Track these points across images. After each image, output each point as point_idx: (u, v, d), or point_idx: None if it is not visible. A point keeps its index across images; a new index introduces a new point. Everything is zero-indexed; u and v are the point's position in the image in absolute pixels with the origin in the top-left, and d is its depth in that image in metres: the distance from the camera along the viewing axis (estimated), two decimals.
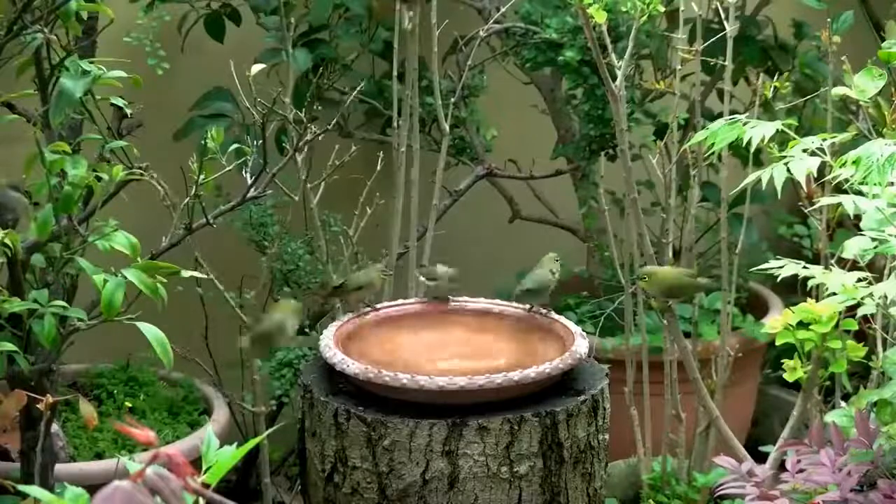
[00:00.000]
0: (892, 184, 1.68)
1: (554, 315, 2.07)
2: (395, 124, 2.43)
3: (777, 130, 1.77)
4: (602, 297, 2.84)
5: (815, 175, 1.77)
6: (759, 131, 1.77)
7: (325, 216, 2.51)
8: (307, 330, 2.57)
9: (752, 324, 2.86)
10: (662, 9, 2.16)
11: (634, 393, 2.42)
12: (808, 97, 2.66)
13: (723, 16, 2.29)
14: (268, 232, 2.51)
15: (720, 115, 2.13)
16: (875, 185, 1.64)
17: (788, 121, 1.82)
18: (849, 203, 1.69)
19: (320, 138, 2.15)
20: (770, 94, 2.27)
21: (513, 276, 2.57)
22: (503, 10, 2.64)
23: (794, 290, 2.35)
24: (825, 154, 1.73)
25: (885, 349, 2.00)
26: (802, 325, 1.87)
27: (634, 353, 2.43)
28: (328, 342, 1.93)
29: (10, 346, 1.83)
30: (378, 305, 2.12)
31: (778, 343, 1.90)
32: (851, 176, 1.64)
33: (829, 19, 2.22)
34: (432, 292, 2.04)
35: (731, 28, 2.27)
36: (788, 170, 1.71)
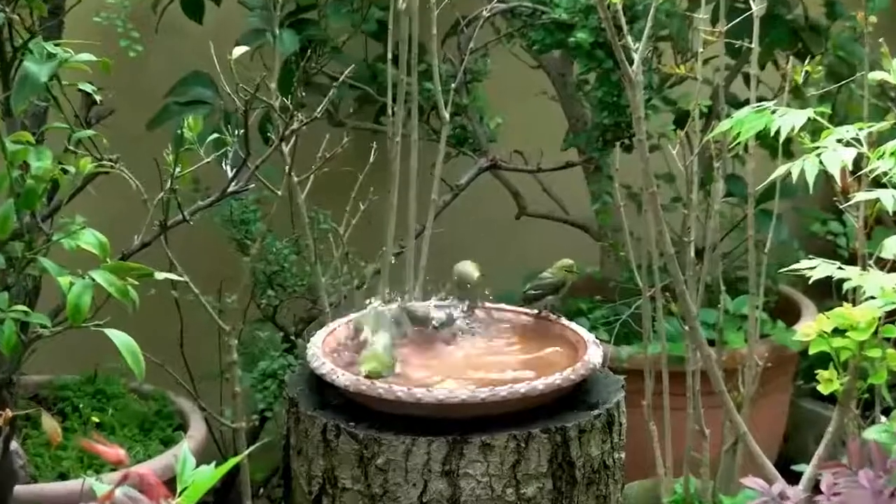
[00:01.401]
0: None
1: (564, 321, 2.06)
2: (389, 112, 2.42)
3: (808, 119, 1.76)
4: (617, 301, 2.84)
5: (851, 168, 1.76)
6: (788, 120, 1.76)
7: (314, 213, 2.51)
8: (293, 337, 2.57)
9: (783, 330, 2.85)
10: None
11: (653, 407, 2.41)
12: (843, 82, 2.66)
13: None
14: (250, 230, 2.51)
15: (746, 102, 2.12)
16: None
17: (821, 108, 1.81)
18: (888, 198, 1.69)
19: (308, 127, 2.14)
20: (801, 80, 2.27)
21: (519, 278, 2.57)
22: None
23: (828, 293, 2.34)
24: (861, 144, 1.72)
25: None
26: (838, 331, 1.86)
27: (653, 363, 2.43)
28: (316, 351, 1.92)
29: None
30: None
31: (811, 352, 1.90)
32: (890, 168, 1.63)
33: None
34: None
35: (757, 7, 2.26)
36: (821, 162, 1.70)
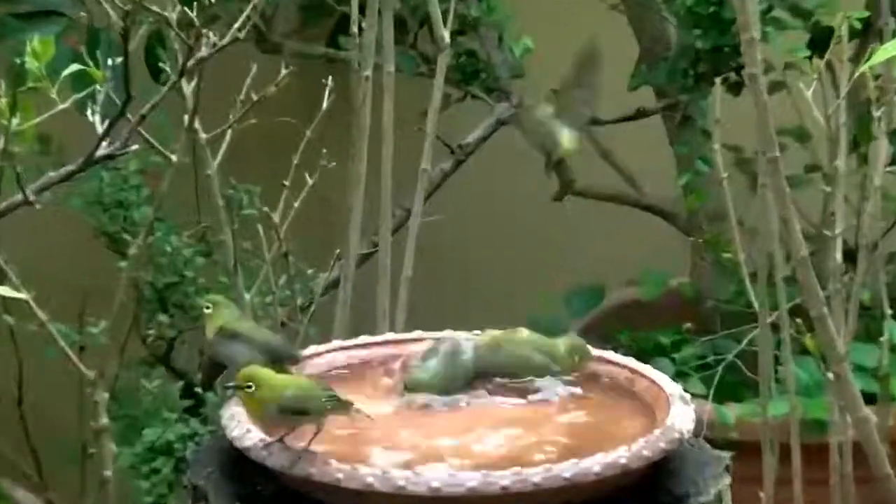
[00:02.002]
0: None
1: (635, 364, 2.06)
2: (354, 29, 2.42)
3: None
4: (719, 331, 2.85)
5: None
6: None
7: (233, 189, 2.51)
8: (199, 390, 2.56)
9: None
10: None
11: (778, 499, 2.41)
12: None
13: None
14: (130, 217, 2.51)
15: None
16: None
17: None
18: None
19: (225, 56, 2.13)
20: None
21: (559, 297, 2.57)
22: None
23: None
24: None
25: None
26: None
27: (777, 431, 2.43)
28: (236, 412, 1.92)
29: None
30: (324, 347, 2.11)
31: None
32: None
33: None
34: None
35: None
36: None
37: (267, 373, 1.87)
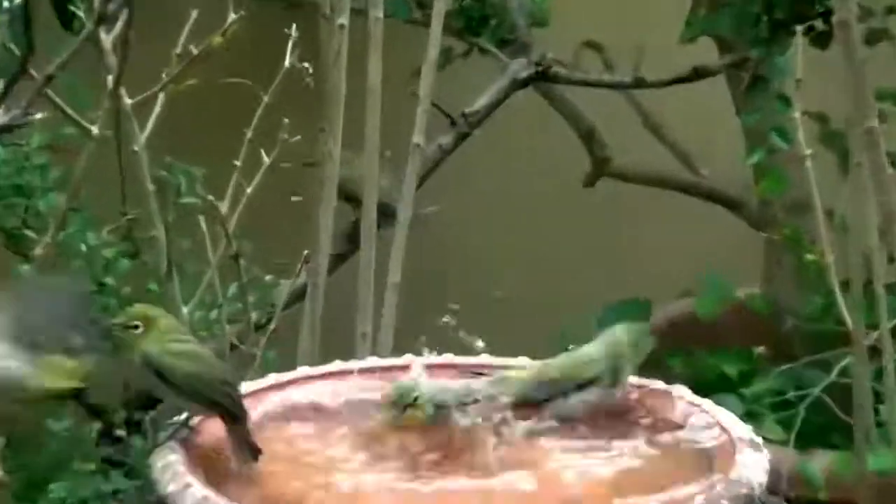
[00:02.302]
0: None
1: (688, 394, 2.07)
2: None
3: None
4: (801, 358, 2.85)
5: None
6: None
7: (169, 170, 2.52)
8: (121, 433, 2.56)
9: None
10: None
11: None
12: None
13: None
14: (34, 207, 2.51)
15: None
16: None
17: None
18: None
19: None
20: None
21: (593, 310, 2.56)
22: None
23: None
24: None
25: None
26: None
27: (878, 489, 2.43)
28: (172, 460, 1.93)
29: None
30: (288, 375, 2.12)
31: None
32: None
33: None
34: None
35: None
36: None
37: (166, 321, 1.92)
